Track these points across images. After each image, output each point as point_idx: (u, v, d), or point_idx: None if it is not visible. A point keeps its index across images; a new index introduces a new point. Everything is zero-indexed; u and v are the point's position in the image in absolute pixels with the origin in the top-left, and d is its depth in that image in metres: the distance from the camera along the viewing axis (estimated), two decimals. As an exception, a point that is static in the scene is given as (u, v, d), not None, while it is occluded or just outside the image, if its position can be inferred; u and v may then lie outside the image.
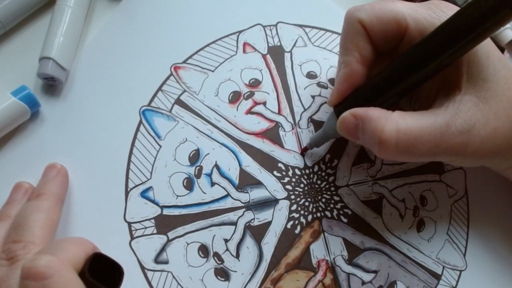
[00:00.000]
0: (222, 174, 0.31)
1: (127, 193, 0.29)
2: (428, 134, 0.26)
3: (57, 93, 0.30)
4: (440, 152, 0.26)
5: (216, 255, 0.30)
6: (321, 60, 0.35)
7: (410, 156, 0.26)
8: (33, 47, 0.30)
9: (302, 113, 0.34)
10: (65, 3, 0.30)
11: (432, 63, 0.26)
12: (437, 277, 0.33)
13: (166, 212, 0.30)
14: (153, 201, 0.30)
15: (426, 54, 0.26)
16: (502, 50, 0.39)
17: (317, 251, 0.31)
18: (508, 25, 0.40)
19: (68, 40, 0.29)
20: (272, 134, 0.33)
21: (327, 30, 0.36)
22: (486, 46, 0.27)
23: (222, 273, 0.29)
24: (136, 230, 0.29)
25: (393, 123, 0.26)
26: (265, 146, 0.32)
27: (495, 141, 0.27)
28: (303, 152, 0.33)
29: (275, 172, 0.32)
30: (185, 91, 0.32)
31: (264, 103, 0.33)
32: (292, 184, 0.32)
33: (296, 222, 0.32)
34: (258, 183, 0.32)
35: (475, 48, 0.26)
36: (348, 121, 0.27)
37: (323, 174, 0.33)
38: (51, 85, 0.30)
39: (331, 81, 0.35)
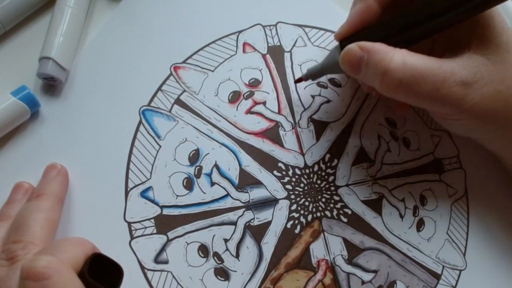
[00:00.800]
0: (222, 174, 0.31)
1: (127, 193, 0.29)
2: (432, 75, 0.26)
3: (57, 93, 0.30)
4: (439, 98, 0.26)
5: (216, 255, 0.30)
6: (321, 60, 0.35)
7: (410, 94, 0.27)
8: (33, 47, 0.30)
9: (302, 112, 0.34)
10: (65, 3, 0.30)
11: (447, 14, 0.26)
12: (437, 276, 0.33)
13: (166, 212, 0.30)
14: (153, 201, 0.30)
15: (442, 5, 0.26)
16: None
17: (317, 250, 0.31)
18: (508, 25, 0.40)
19: (68, 40, 0.29)
20: (272, 134, 0.33)
21: (327, 30, 0.36)
22: (502, 17, 0.28)
23: (222, 273, 0.29)
24: (136, 230, 0.29)
25: (400, 56, 0.26)
26: (265, 145, 0.32)
27: (495, 103, 0.27)
28: (297, 82, 0.32)
29: (275, 172, 0.32)
30: (185, 91, 0.32)
31: (264, 103, 0.33)
32: (292, 183, 0.32)
33: (296, 221, 0.32)
34: (258, 183, 0.32)
35: (491, 15, 0.27)
36: (354, 52, 0.27)
37: (323, 173, 0.33)
38: (51, 85, 0.30)
39: (331, 81, 0.35)
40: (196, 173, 0.31)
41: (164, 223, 0.29)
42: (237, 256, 0.30)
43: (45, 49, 0.29)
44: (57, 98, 0.30)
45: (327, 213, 0.32)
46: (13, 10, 0.30)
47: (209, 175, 0.31)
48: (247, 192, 0.31)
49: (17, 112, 0.28)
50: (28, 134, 0.29)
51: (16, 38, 0.31)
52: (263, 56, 0.34)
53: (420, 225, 0.34)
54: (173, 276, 0.29)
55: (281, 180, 0.32)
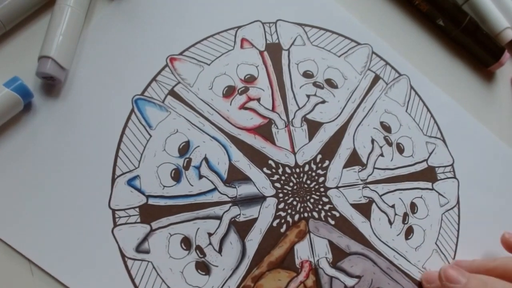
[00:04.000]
0: (210, 168, 0.31)
1: (113, 180, 0.29)
2: None
3: (55, 91, 0.30)
4: None
5: (199, 248, 0.29)
6: (319, 60, 0.35)
7: None
8: (33, 47, 0.29)
9: (296, 111, 0.34)
10: (65, 2, 0.30)
11: None
12: (422, 287, 0.33)
13: (151, 201, 0.29)
14: (139, 190, 0.29)
15: None
16: (502, 50, 0.39)
17: (302, 251, 0.31)
18: (508, 25, 0.40)
19: (68, 39, 0.29)
20: (265, 131, 0.33)
21: (327, 30, 0.36)
22: None
23: (203, 267, 0.29)
24: (120, 217, 0.29)
25: None
26: (257, 142, 0.32)
27: None
28: None
29: (265, 169, 0.32)
30: (179, 82, 0.32)
31: (258, 99, 0.33)
32: (281, 182, 0.32)
33: (283, 220, 0.31)
34: (246, 179, 0.31)
35: None
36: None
37: (313, 174, 0.33)
38: (51, 85, 0.30)
39: (327, 81, 0.35)
40: (185, 165, 0.31)
41: (149, 213, 0.29)
42: (220, 251, 0.30)
43: (45, 48, 0.29)
44: (56, 95, 0.30)
45: (315, 214, 0.32)
46: (14, 10, 0.30)
47: (198, 167, 0.31)
48: (235, 187, 0.31)
49: (11, 103, 0.28)
50: (22, 129, 0.29)
51: (16, 38, 0.30)
52: (261, 53, 0.34)
53: (409, 233, 0.34)
54: (153, 267, 0.28)
55: (270, 178, 0.32)
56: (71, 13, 0.30)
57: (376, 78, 0.36)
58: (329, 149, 0.33)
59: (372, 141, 0.35)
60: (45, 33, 0.29)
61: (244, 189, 0.31)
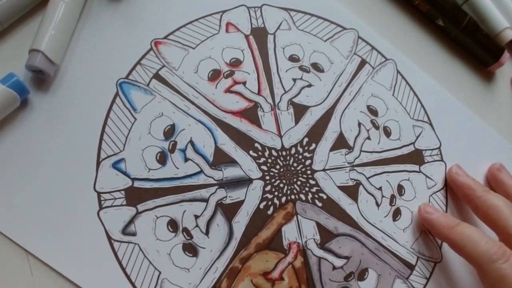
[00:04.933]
0: (196, 151, 0.31)
1: (98, 163, 0.29)
2: None
3: (45, 85, 0.29)
4: None
5: (185, 230, 0.29)
6: (305, 44, 0.35)
7: None
8: (29, 43, 0.29)
9: (282, 95, 0.34)
10: None
11: None
12: (411, 267, 0.33)
13: (137, 184, 0.29)
14: (124, 173, 0.29)
15: None
16: (502, 50, 0.39)
17: (289, 233, 0.31)
18: (507, 25, 0.40)
19: (60, 34, 0.29)
20: (250, 114, 0.33)
21: (312, 15, 0.36)
22: None
23: (191, 249, 0.29)
24: (105, 200, 0.29)
25: None
26: (242, 125, 0.32)
27: None
28: None
29: (251, 152, 0.32)
30: (164, 66, 0.32)
31: (244, 83, 0.33)
32: (268, 164, 0.32)
33: (269, 203, 0.31)
34: (232, 162, 0.31)
35: None
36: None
37: (300, 157, 0.33)
38: (41, 79, 0.29)
39: (314, 65, 0.35)
40: (170, 148, 0.30)
41: (135, 196, 0.29)
42: (207, 233, 0.30)
43: (35, 42, 0.29)
44: (45, 91, 0.29)
45: (302, 196, 0.32)
46: (12, 8, 0.29)
47: (184, 150, 0.31)
48: (221, 170, 0.31)
49: (7, 99, 0.28)
50: (17, 124, 0.29)
51: (12, 35, 0.30)
52: (246, 36, 0.34)
53: (396, 214, 0.34)
54: (140, 249, 0.28)
55: (257, 161, 0.32)
56: (65, 8, 0.30)
57: (363, 63, 0.36)
58: (316, 133, 0.34)
59: (359, 124, 0.35)
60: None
61: (230, 172, 0.31)
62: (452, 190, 0.36)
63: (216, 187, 0.31)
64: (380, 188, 0.34)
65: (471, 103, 0.39)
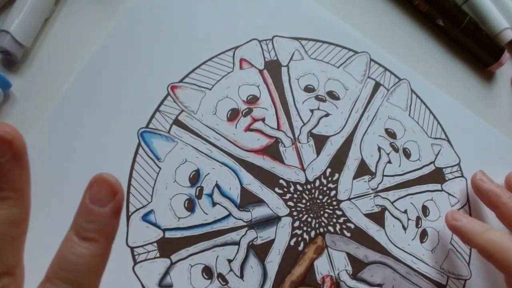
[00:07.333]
0: (223, 194, 0.31)
1: (128, 217, 0.29)
2: None
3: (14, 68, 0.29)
4: None
5: (220, 276, 0.29)
6: (319, 73, 0.35)
7: None
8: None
9: (301, 127, 0.34)
10: None
11: None
12: (442, 287, 0.33)
13: (168, 235, 0.29)
14: (154, 224, 0.29)
15: None
16: (502, 50, 0.39)
17: (322, 267, 0.31)
18: (507, 25, 0.40)
19: (31, 17, 0.29)
20: (272, 150, 0.33)
21: (323, 42, 0.36)
22: None
23: (227, 294, 0.29)
24: (139, 254, 0.29)
25: None
26: (266, 163, 0.32)
27: None
28: None
29: (276, 189, 0.32)
30: (183, 110, 0.32)
31: (263, 119, 0.33)
32: (294, 200, 0.32)
33: (299, 238, 0.32)
34: (259, 201, 0.31)
35: None
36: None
37: (325, 188, 0.33)
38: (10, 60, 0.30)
39: (329, 93, 0.35)
40: (197, 194, 0.30)
41: (167, 246, 0.29)
42: (242, 276, 0.30)
43: (6, 23, 0.29)
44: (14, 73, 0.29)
45: (330, 228, 0.32)
46: None
47: (211, 195, 0.31)
48: (249, 211, 0.31)
49: None
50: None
51: None
52: (260, 71, 0.34)
53: (423, 236, 0.34)
54: (178, 300, 0.28)
55: (283, 197, 0.32)
56: None
57: (377, 85, 0.36)
58: (338, 162, 0.34)
59: (379, 149, 0.35)
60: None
61: (258, 212, 0.31)
62: (475, 204, 0.36)
63: (246, 228, 0.31)
64: (405, 211, 0.34)
65: (471, 103, 0.39)
